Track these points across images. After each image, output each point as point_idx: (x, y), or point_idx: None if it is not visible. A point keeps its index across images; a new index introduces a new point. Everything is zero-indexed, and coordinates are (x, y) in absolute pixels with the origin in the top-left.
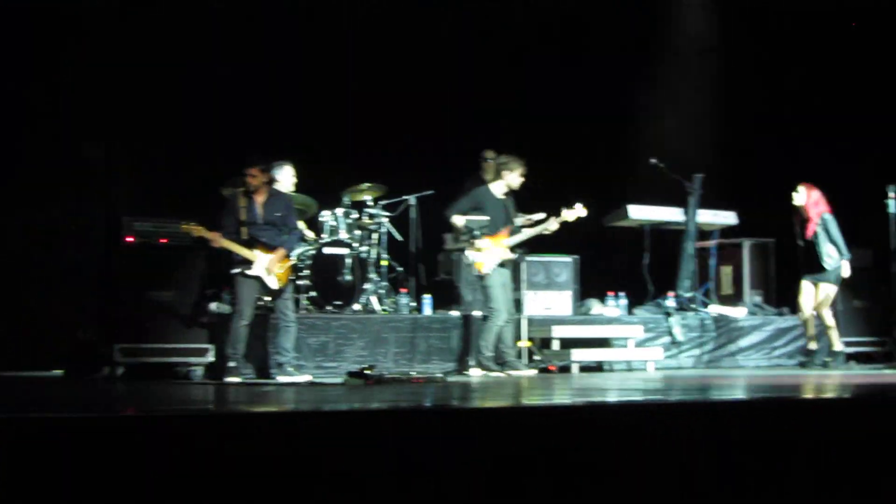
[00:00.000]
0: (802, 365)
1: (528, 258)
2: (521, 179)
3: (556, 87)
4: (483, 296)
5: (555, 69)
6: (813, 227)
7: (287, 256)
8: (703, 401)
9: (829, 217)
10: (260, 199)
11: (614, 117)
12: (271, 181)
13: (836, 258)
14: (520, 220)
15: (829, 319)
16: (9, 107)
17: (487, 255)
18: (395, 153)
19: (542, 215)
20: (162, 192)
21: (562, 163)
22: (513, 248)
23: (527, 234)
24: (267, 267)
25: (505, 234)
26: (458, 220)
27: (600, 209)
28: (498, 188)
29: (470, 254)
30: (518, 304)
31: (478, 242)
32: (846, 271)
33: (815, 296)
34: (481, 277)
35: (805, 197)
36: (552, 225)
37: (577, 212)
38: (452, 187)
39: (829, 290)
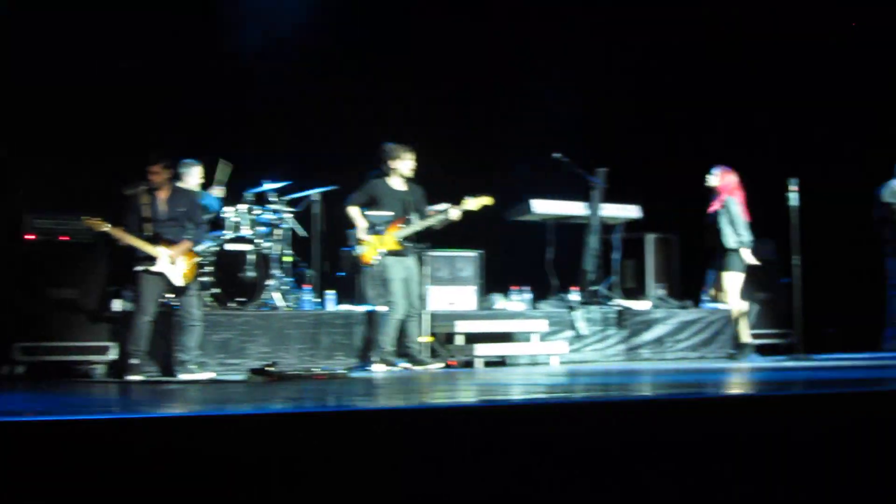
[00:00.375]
0: (731, 356)
1: (432, 253)
2: (411, 166)
3: (456, 80)
4: (383, 289)
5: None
6: (716, 206)
7: (191, 250)
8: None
9: (732, 200)
10: (163, 195)
11: (511, 112)
12: (174, 178)
13: (733, 244)
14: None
15: (737, 309)
16: None
17: (373, 246)
18: (299, 148)
19: (444, 206)
20: (64, 190)
21: (465, 157)
22: (404, 241)
23: (421, 224)
24: (171, 262)
25: (396, 226)
26: (354, 213)
27: (504, 204)
28: (396, 180)
29: (357, 246)
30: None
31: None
32: (748, 258)
33: (723, 285)
34: (375, 269)
35: (719, 179)
36: (453, 214)
37: (481, 200)
38: (356, 181)
39: (733, 278)
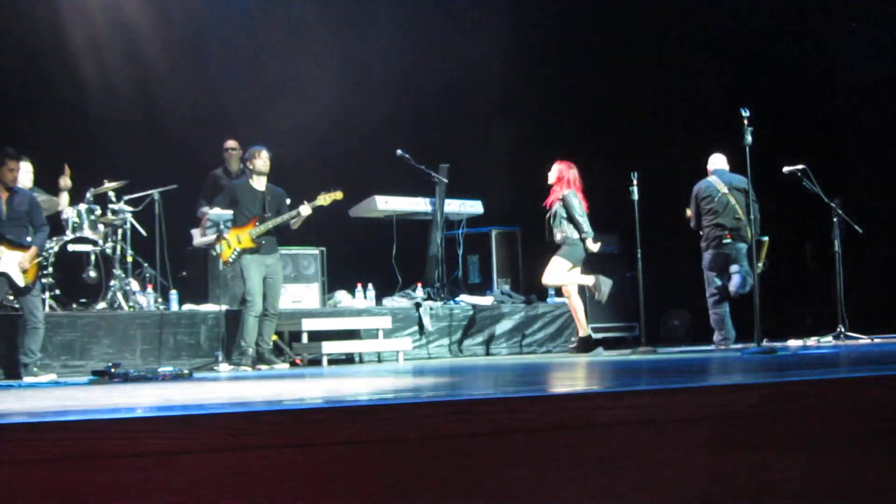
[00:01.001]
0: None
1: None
2: (267, 165)
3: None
4: (241, 287)
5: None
6: (552, 201)
7: (38, 255)
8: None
9: (570, 193)
10: (3, 196)
11: (359, 108)
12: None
13: (573, 236)
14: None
15: (571, 302)
16: None
17: (230, 247)
18: (139, 147)
19: (289, 201)
20: None
21: (306, 154)
22: (259, 238)
23: (274, 222)
24: (20, 264)
25: (251, 224)
26: (213, 213)
27: (348, 200)
28: (256, 180)
29: (216, 245)
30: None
31: (224, 234)
32: (592, 247)
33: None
34: (233, 268)
35: (556, 173)
36: (304, 210)
37: (333, 195)
38: (197, 180)
39: (562, 265)
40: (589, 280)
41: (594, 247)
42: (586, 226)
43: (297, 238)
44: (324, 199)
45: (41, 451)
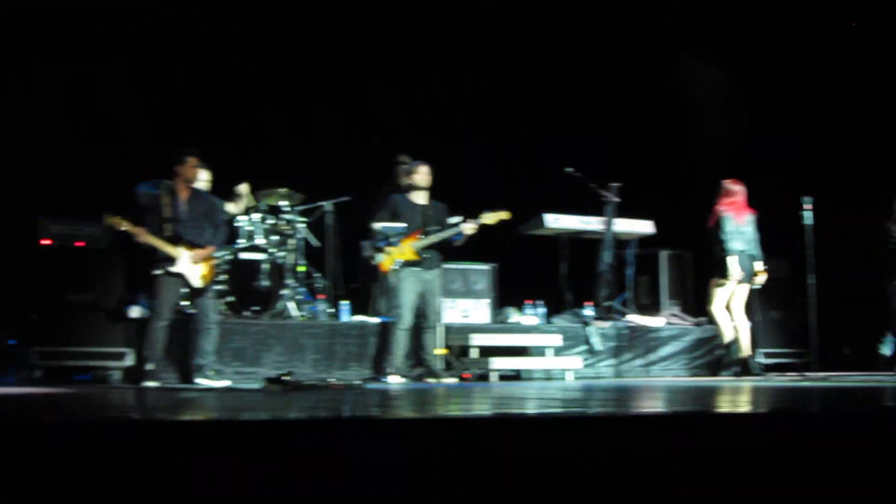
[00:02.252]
0: (736, 374)
1: (446, 266)
2: (427, 181)
3: (472, 95)
4: (395, 299)
5: (475, 73)
6: (712, 220)
7: (213, 255)
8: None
9: (724, 212)
10: (184, 196)
11: (530, 124)
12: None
13: (724, 255)
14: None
15: (735, 321)
16: None
17: (391, 256)
18: (313, 158)
19: (457, 219)
20: (78, 195)
21: (478, 171)
22: (421, 252)
23: (437, 237)
24: (191, 263)
25: (414, 237)
26: (377, 226)
27: (517, 218)
28: (417, 195)
29: (377, 255)
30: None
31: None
32: (734, 269)
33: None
34: (390, 279)
35: (720, 192)
36: (467, 227)
37: (498, 215)
38: (369, 193)
39: (718, 286)
40: (727, 332)
41: (736, 270)
42: (729, 244)
43: (467, 254)
44: (489, 218)
45: None
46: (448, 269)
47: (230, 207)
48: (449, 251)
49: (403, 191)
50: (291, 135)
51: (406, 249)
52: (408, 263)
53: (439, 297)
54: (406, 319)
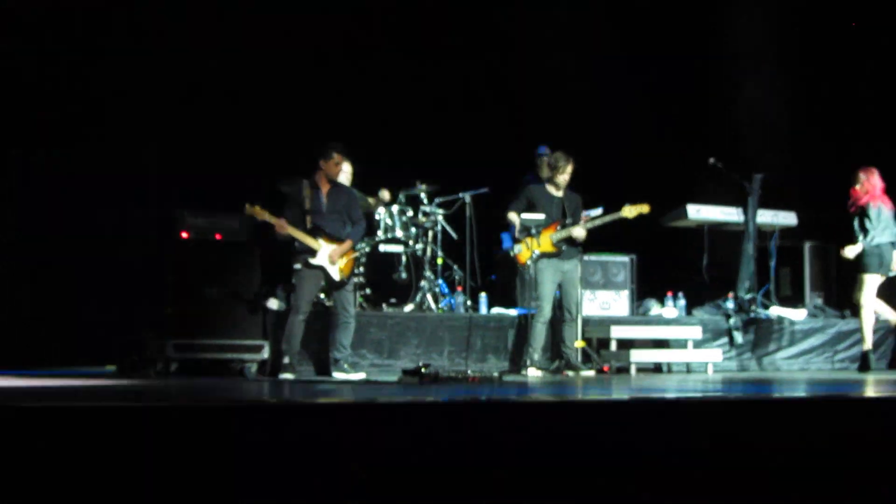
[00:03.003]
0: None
1: (585, 257)
2: (568, 176)
3: (618, 87)
4: (534, 291)
5: (618, 65)
6: (854, 207)
7: (353, 248)
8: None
9: (867, 202)
10: (324, 189)
11: (673, 115)
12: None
13: (867, 247)
14: (591, 215)
15: (863, 313)
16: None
17: (528, 247)
18: (452, 149)
19: (597, 211)
20: (217, 186)
21: (620, 161)
22: (559, 243)
23: (572, 230)
24: (330, 256)
25: (552, 229)
26: (514, 218)
27: (659, 209)
28: (554, 186)
29: (515, 246)
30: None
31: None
32: (881, 259)
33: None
34: (529, 271)
35: (857, 182)
36: (604, 219)
37: (639, 208)
38: (508, 185)
39: (866, 279)
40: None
41: (883, 259)
42: (872, 233)
43: (607, 245)
44: (629, 212)
45: None
46: (587, 261)
47: (376, 205)
48: (585, 243)
49: (541, 181)
50: (430, 126)
51: (544, 241)
52: (545, 255)
53: (579, 289)
54: (546, 311)
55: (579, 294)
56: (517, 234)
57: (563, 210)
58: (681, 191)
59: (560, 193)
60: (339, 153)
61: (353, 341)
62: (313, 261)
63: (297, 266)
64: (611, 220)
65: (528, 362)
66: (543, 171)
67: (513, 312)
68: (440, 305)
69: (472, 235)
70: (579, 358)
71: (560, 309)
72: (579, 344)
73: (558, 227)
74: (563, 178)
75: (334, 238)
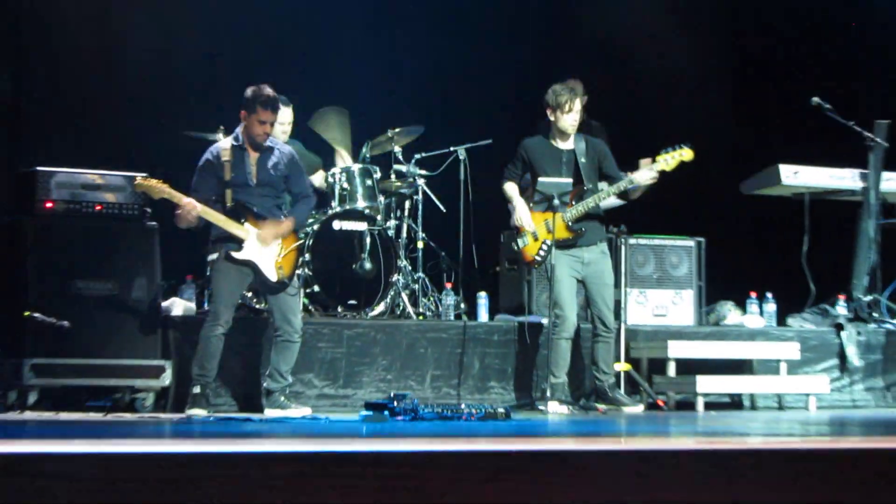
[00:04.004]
0: None
1: (632, 240)
2: (577, 116)
3: None
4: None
5: None
6: None
7: (295, 232)
8: None
9: None
10: (252, 154)
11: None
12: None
13: None
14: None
15: None
16: None
17: (534, 236)
18: (436, 87)
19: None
20: (96, 140)
21: (680, 104)
22: (575, 223)
23: (595, 199)
24: (262, 241)
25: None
26: (509, 191)
27: (739, 172)
28: (563, 136)
29: (517, 237)
30: (618, 308)
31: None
32: None
33: None
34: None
35: None
36: (643, 177)
37: (679, 154)
38: (522, 134)
39: None
40: None
41: None
42: None
43: (661, 222)
44: (665, 162)
45: None
46: (633, 246)
47: (315, 180)
48: (620, 218)
49: (543, 133)
50: (406, 44)
51: (555, 223)
52: (560, 244)
53: (611, 287)
54: (569, 322)
55: (611, 295)
56: (518, 218)
57: (575, 169)
58: (769, 145)
59: (569, 144)
60: (264, 106)
61: (298, 360)
62: (238, 254)
63: (214, 257)
64: (647, 178)
65: (548, 393)
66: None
67: (525, 321)
68: (421, 310)
69: (469, 208)
70: (621, 387)
71: (590, 318)
72: (621, 367)
73: (573, 200)
74: (570, 120)
75: (268, 221)
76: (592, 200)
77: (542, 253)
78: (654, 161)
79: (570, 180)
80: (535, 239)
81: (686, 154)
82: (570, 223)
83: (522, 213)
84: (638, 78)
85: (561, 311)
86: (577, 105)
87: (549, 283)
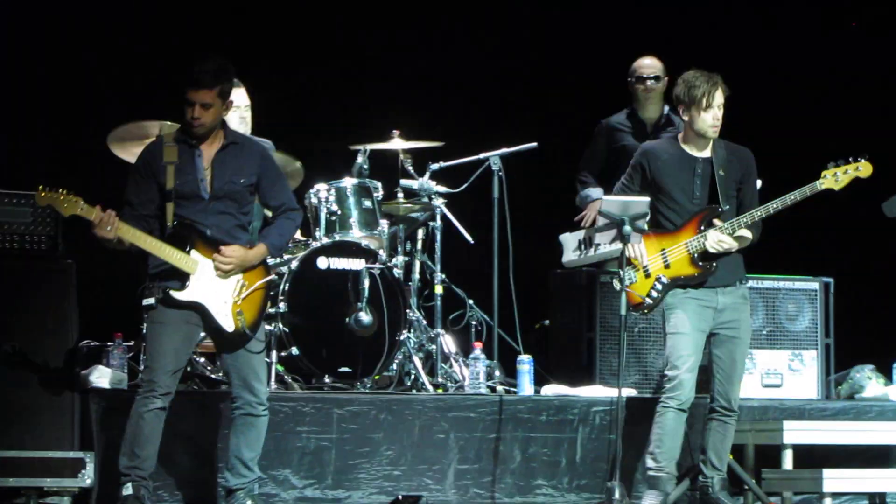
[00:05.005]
0: None
1: None
2: (719, 114)
3: None
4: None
5: None
6: None
7: (265, 264)
8: None
9: None
10: (209, 149)
11: None
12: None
13: None
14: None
15: None
16: None
17: (644, 270)
18: (459, 76)
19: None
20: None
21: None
22: (704, 261)
23: (738, 221)
24: (213, 278)
25: (690, 227)
26: (607, 207)
27: (880, 186)
28: (691, 138)
29: (620, 270)
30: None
31: (633, 248)
32: None
33: None
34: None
35: None
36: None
37: (854, 170)
38: (579, 137)
39: None
40: None
41: None
42: None
43: (773, 258)
44: (835, 179)
45: None
46: None
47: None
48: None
49: (652, 126)
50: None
51: (674, 254)
52: (678, 281)
53: (745, 349)
54: (686, 387)
55: (743, 359)
56: (595, 235)
57: (711, 184)
58: None
59: (706, 152)
60: (189, 82)
61: (268, 451)
62: (180, 294)
63: (150, 301)
64: (800, 197)
65: (655, 481)
66: (648, 107)
67: (588, 394)
68: (440, 380)
69: (507, 238)
70: (726, 482)
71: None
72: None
73: (701, 224)
74: (710, 119)
75: (224, 246)
76: (724, 232)
77: (655, 294)
78: (821, 178)
79: (646, 199)
80: (647, 276)
81: (863, 169)
82: (694, 255)
83: (635, 240)
84: None
85: (675, 372)
86: (720, 97)
87: (666, 338)
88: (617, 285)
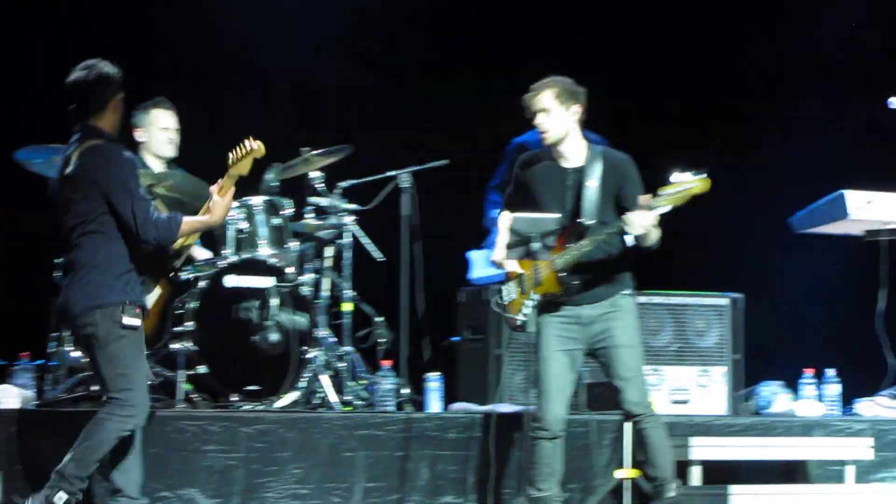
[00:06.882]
0: None
1: (639, 298)
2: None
3: None
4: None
5: None
6: None
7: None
8: None
9: None
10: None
11: None
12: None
13: None
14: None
15: None
16: None
17: (521, 288)
18: (369, 90)
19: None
20: None
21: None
22: (567, 276)
23: (594, 239)
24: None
25: (557, 244)
26: (503, 224)
27: (782, 201)
28: (565, 149)
29: (501, 288)
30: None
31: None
32: None
33: None
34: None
35: None
36: (637, 221)
37: (689, 187)
38: (491, 153)
39: None
40: None
41: None
42: None
43: (682, 273)
44: (669, 198)
45: None
46: (645, 306)
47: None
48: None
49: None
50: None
51: (543, 271)
52: (548, 297)
53: (633, 349)
54: (550, 415)
55: (637, 358)
56: (507, 253)
57: (578, 199)
58: (829, 166)
59: (576, 163)
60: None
61: (174, 470)
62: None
63: (136, 324)
64: (642, 223)
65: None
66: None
67: (498, 411)
68: (348, 398)
69: (416, 256)
70: (627, 499)
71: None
72: (624, 474)
73: (565, 240)
74: (551, 136)
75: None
76: (581, 247)
77: (526, 312)
78: (654, 196)
79: (555, 215)
80: (523, 292)
81: (699, 185)
82: (559, 271)
83: (500, 249)
84: None
85: (542, 396)
86: (536, 104)
87: (537, 357)
88: (494, 304)
